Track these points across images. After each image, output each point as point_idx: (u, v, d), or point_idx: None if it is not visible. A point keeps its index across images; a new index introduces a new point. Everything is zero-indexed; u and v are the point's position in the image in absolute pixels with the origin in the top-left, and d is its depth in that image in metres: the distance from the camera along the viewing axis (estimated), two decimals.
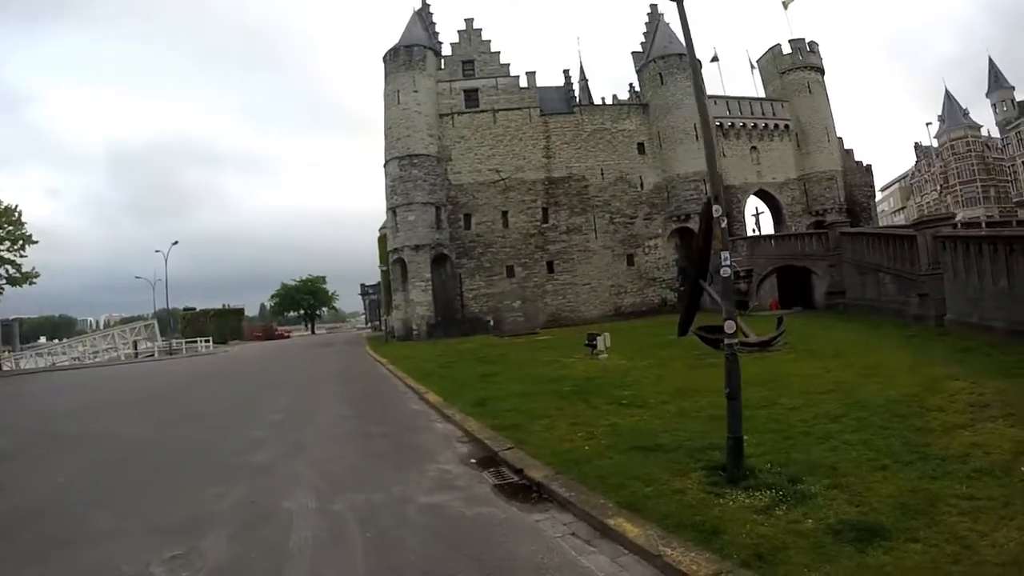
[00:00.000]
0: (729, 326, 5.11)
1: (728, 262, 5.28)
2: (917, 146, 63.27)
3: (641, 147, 36.04)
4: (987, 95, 57.10)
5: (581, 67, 39.86)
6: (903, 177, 68.45)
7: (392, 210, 32.99)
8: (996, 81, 55.66)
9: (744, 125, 38.56)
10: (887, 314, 18.50)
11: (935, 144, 62.60)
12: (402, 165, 32.73)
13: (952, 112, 60.38)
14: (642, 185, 35.61)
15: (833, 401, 6.84)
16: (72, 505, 5.50)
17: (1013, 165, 54.72)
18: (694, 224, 34.50)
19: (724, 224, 5.52)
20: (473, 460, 6.25)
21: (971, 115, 60.12)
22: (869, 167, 42.82)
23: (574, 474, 5.09)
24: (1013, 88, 54.73)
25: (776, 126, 39.43)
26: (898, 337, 13.05)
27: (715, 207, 5.62)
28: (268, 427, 8.88)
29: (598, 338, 14.46)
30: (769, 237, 33.39)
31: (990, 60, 56.00)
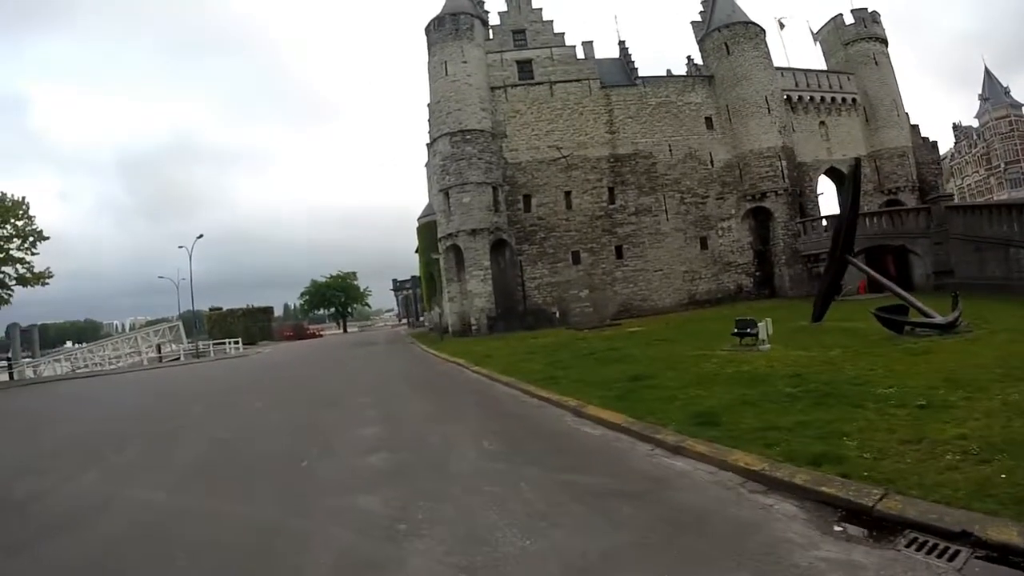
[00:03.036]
0: None
1: None
2: (956, 127, 61.32)
3: (709, 121, 33.21)
4: None
5: (621, 46, 36.70)
6: (942, 159, 66.35)
7: (444, 192, 29.92)
8: None
9: (812, 99, 35.98)
10: (1021, 292, 16.57)
11: (975, 124, 60.61)
12: (454, 142, 29.68)
13: (993, 90, 58.27)
14: (712, 162, 32.79)
15: None
16: None
17: None
18: (771, 203, 31.94)
19: None
20: (840, 528, 3.66)
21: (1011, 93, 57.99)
22: (935, 144, 40.51)
23: None
24: None
25: (844, 100, 36.87)
26: None
27: None
28: (377, 483, 5.39)
29: (759, 325, 11.64)
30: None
31: None
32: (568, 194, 31.09)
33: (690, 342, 14.40)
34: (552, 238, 30.67)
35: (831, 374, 7.87)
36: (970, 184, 60.64)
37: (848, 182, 15.95)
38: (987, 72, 59.07)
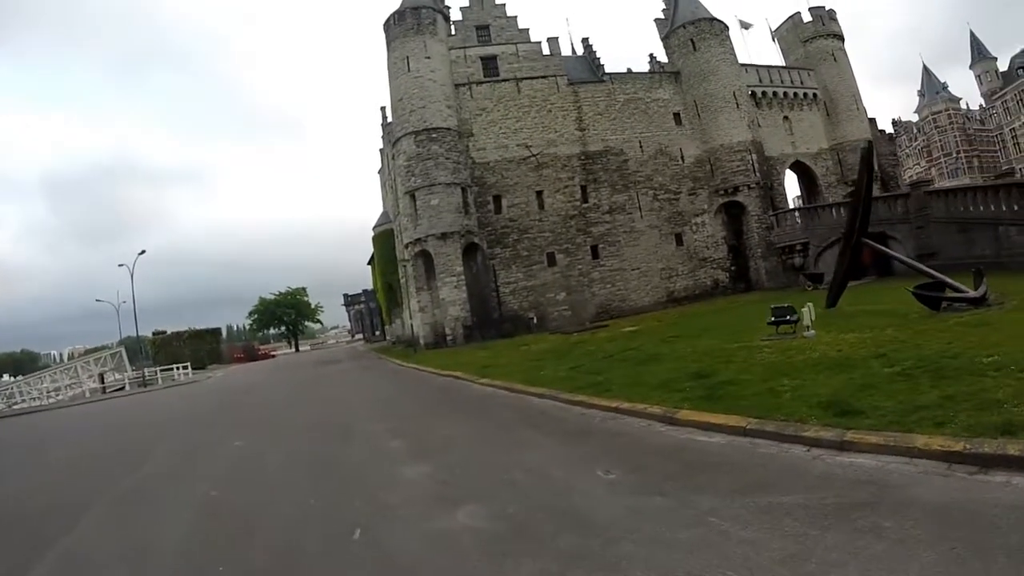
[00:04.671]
0: None
1: None
2: (896, 122, 63.96)
3: (677, 117, 32.79)
4: (970, 67, 57.84)
5: (585, 43, 35.99)
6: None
7: (410, 194, 28.14)
8: (979, 53, 56.38)
9: (775, 94, 36.26)
10: (1014, 268, 17.19)
11: (915, 118, 63.38)
12: (419, 141, 28.00)
13: (931, 86, 61.08)
14: (683, 158, 32.33)
15: None
16: None
17: (1001, 134, 55.52)
18: (743, 197, 31.73)
19: None
20: None
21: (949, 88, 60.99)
22: (891, 136, 41.76)
23: None
24: (995, 59, 55.59)
25: (805, 95, 37.38)
26: None
27: None
28: (498, 557, 3.65)
29: (802, 311, 10.84)
30: (828, 206, 30.78)
31: (971, 33, 56.73)
32: (540, 194, 29.89)
33: (712, 336, 13.47)
34: (525, 240, 29.36)
35: (914, 351, 7.36)
36: (911, 176, 63.13)
37: (861, 165, 15.57)
38: (925, 69, 61.93)
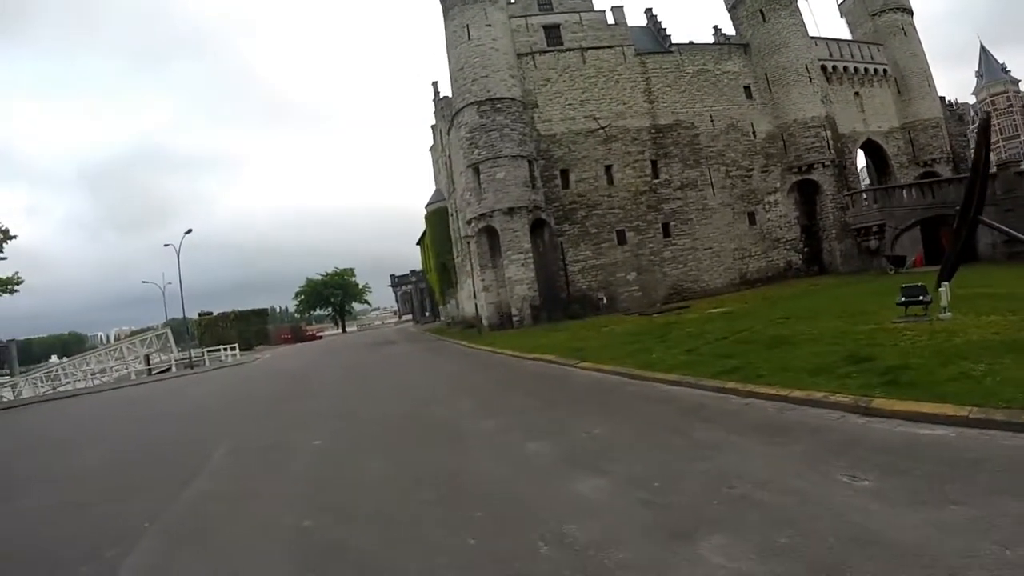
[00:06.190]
0: None
1: None
2: (952, 104, 61.38)
3: (748, 91, 31.15)
4: None
5: (648, 14, 34.30)
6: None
7: (473, 167, 26.90)
8: None
9: (846, 69, 34.40)
10: None
11: (972, 100, 60.80)
12: (482, 111, 26.70)
13: (990, 67, 58.55)
14: (754, 133, 30.73)
15: None
16: None
17: None
18: (818, 175, 30.07)
19: None
20: None
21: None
22: (961, 115, 39.73)
23: None
24: None
25: (876, 71, 35.48)
26: None
27: None
28: None
29: (940, 291, 10.01)
30: (907, 186, 29.10)
31: None
32: (609, 168, 28.49)
33: (827, 318, 12.22)
34: (594, 216, 28.00)
35: None
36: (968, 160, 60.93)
37: (979, 136, 14.13)
38: (983, 49, 59.27)
